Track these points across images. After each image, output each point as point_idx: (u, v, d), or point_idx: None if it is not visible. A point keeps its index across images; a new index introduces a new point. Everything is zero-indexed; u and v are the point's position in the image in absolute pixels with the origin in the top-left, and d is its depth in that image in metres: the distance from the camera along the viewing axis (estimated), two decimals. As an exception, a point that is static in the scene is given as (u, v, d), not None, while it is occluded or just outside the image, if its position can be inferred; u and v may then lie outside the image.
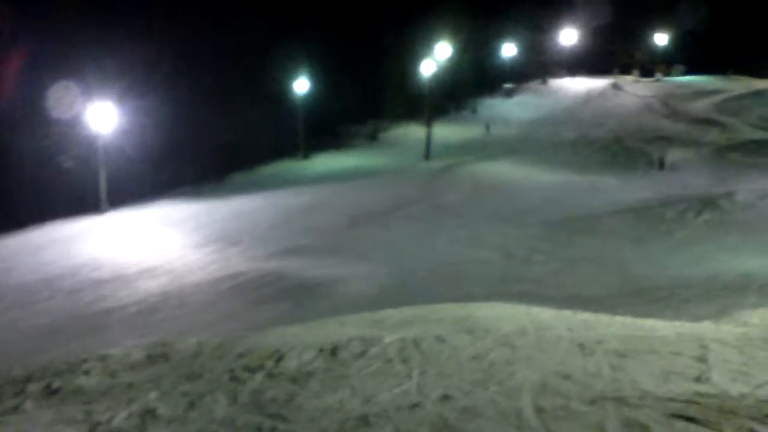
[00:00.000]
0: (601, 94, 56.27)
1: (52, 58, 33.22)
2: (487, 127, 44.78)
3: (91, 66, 32.62)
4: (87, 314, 17.39)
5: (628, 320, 8.79)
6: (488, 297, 13.75)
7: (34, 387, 6.03)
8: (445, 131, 43.49)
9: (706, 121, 43.81)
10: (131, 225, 27.51)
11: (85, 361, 6.72)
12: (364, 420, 4.80)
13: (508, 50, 59.47)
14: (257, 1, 43.02)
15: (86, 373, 6.33)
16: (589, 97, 55.37)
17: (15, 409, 5.57)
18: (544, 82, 62.44)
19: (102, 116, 31.47)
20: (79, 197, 31.53)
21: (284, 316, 14.69)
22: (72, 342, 14.86)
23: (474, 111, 52.50)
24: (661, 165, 33.79)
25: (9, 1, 34.28)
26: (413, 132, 43.90)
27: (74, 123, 32.00)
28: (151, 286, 19.12)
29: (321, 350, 6.55)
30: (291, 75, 41.74)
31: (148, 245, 23.69)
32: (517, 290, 15.63)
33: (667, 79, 63.66)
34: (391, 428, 4.63)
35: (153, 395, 5.48)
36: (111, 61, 32.99)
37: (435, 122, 41.61)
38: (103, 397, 5.66)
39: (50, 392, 5.90)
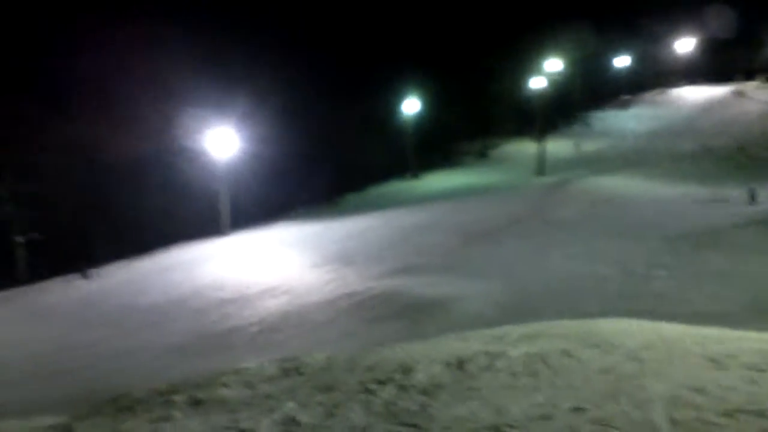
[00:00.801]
0: (722, 102, 53.82)
1: (175, 86, 35.01)
2: (576, 145, 42.99)
3: (212, 93, 34.20)
4: (212, 333, 18.11)
5: (765, 336, 8.41)
6: (607, 314, 13.40)
7: (179, 398, 6.42)
8: (557, 146, 42.85)
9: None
10: (252, 246, 28.53)
11: (223, 374, 7.10)
12: (496, 429, 4.88)
13: (622, 61, 58.04)
14: (367, 24, 43.95)
15: (226, 385, 6.69)
16: (709, 106, 53.13)
17: (166, 418, 5.95)
18: (661, 92, 60.47)
19: (222, 142, 32.84)
20: (202, 221, 33.03)
21: (402, 333, 14.81)
22: (200, 359, 15.53)
23: (587, 124, 51.47)
24: None
25: (134, 29, 36.29)
26: (524, 148, 43.46)
27: (197, 149, 33.56)
28: (271, 305, 19.73)
29: (447, 364, 6.63)
30: (400, 95, 42.32)
31: (268, 266, 24.48)
32: (637, 307, 15.13)
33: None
34: (524, 438, 4.70)
35: (291, 405, 5.74)
36: (230, 88, 34.52)
37: (547, 137, 41.03)
38: (245, 406, 5.96)
39: (195, 402, 6.26)
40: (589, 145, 44.39)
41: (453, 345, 7.80)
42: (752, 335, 8.39)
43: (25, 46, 35.36)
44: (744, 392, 5.24)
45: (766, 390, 5.22)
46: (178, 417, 5.93)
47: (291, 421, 5.41)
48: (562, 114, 50.85)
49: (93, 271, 27.98)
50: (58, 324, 21.35)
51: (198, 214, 33.90)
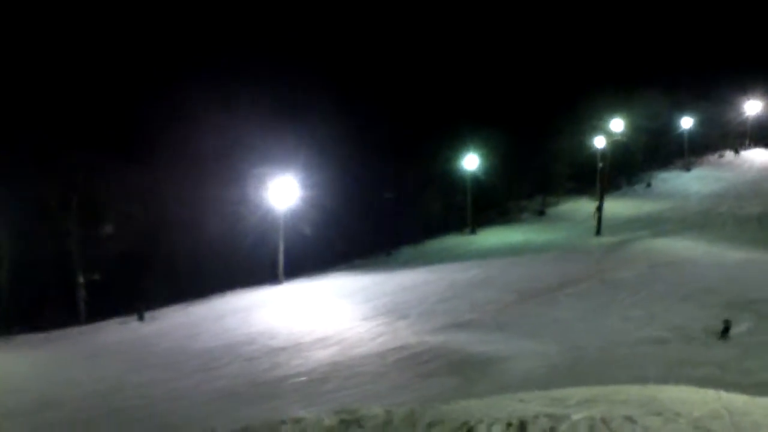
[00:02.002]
0: (790, 165, 52.59)
1: (243, 138, 35.98)
2: (595, 211, 40.29)
3: (277, 145, 34.98)
4: (263, 381, 18.15)
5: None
6: (666, 380, 13.02)
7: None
8: (617, 206, 42.30)
9: None
10: (305, 296, 28.70)
11: (283, 422, 7.10)
12: None
13: (687, 122, 57.40)
14: (432, 78, 44.64)
15: (287, 434, 6.71)
16: (776, 170, 51.93)
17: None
18: (722, 155, 59.46)
19: (283, 191, 33.35)
20: (259, 269, 33.44)
21: (454, 390, 14.65)
22: (250, 406, 15.58)
23: (648, 185, 50.78)
24: None
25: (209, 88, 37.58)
26: (583, 207, 43.01)
27: (259, 199, 34.16)
28: (322, 355, 19.73)
29: (509, 424, 6.54)
30: (461, 151, 42.57)
31: (321, 316, 24.56)
32: (698, 374, 14.68)
33: None
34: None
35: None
36: (295, 140, 35.26)
37: (607, 197, 40.55)
38: (308, 454, 5.94)
39: (258, 449, 6.27)
40: (651, 206, 43.65)
41: (512, 405, 7.67)
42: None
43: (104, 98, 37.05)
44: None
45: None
46: (241, 462, 5.95)
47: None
48: (624, 174, 50.33)
49: (149, 314, 28.47)
50: (113, 364, 21.69)
51: (256, 263, 34.33)
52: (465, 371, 16.57)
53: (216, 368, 20.10)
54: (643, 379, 12.60)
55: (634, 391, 9.16)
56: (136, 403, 16.95)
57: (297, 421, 7.30)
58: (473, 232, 41.63)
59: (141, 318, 28.06)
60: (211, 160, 36.33)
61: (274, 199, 33.60)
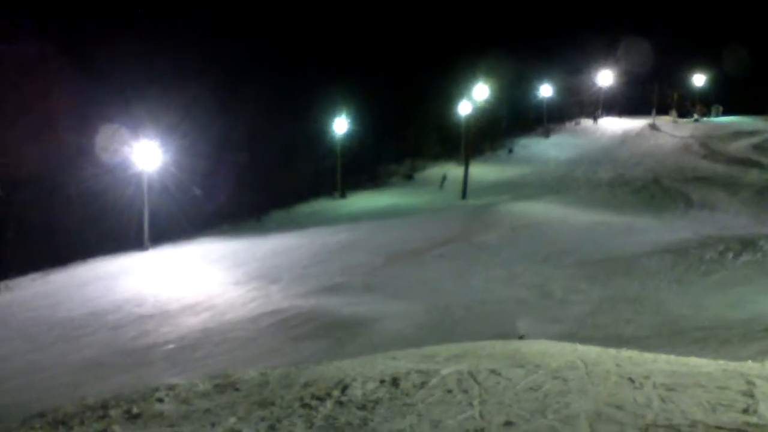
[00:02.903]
0: (639, 134, 56.15)
1: (100, 95, 34.27)
2: (442, 183, 42.56)
3: (137, 103, 33.64)
4: (131, 349, 17.68)
5: (672, 358, 8.88)
6: (527, 336, 13.82)
7: (114, 412, 6.35)
8: (481, 171, 43.79)
9: (745, 162, 43.42)
10: (173, 262, 28.01)
11: (156, 389, 7.03)
12: None
13: (545, 91, 60.01)
14: (299, 44, 44.10)
15: (160, 400, 6.65)
16: (626, 138, 55.31)
17: (104, 431, 5.90)
18: (578, 123, 62.74)
19: (146, 154, 32.22)
20: (123, 235, 32.24)
21: (325, 352, 14.88)
22: (118, 376, 15.14)
23: (510, 151, 52.81)
24: None
25: (55, 37, 35.41)
26: (450, 171, 44.16)
27: (119, 161, 32.83)
28: (192, 322, 19.42)
29: (382, 381, 6.80)
30: (330, 115, 42.55)
31: (190, 282, 24.09)
32: (555, 330, 15.64)
33: (705, 119, 63.46)
34: (461, 450, 4.88)
35: (232, 420, 5.78)
36: (155, 98, 33.99)
37: (471, 162, 41.87)
38: (184, 420, 5.96)
39: (132, 416, 6.21)
40: (512, 171, 45.52)
41: (385, 363, 7.96)
42: (663, 357, 8.87)
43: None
44: (659, 409, 5.58)
45: (679, 407, 5.55)
46: (117, 429, 5.88)
47: (236, 435, 5.47)
48: (488, 140, 52.01)
49: (3, 283, 26.90)
50: (-36, 338, 20.42)
51: (119, 228, 33.05)
52: (336, 333, 16.83)
53: (80, 338, 19.33)
54: (506, 336, 13.34)
55: (499, 345, 9.75)
56: (-7, 377, 16.09)
57: (170, 387, 7.25)
58: (343, 196, 41.91)
59: (-6, 287, 26.51)
60: (66, 118, 34.39)
61: (138, 162, 32.42)
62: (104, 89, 34.98)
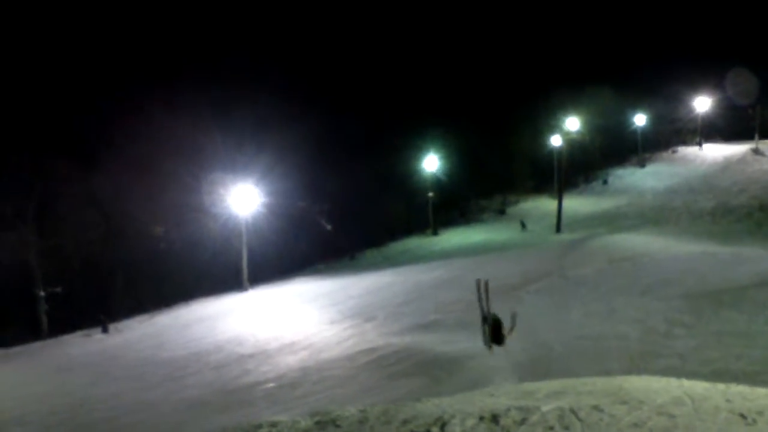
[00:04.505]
0: (741, 160, 53.83)
1: (201, 146, 35.72)
2: (523, 225, 41.01)
3: (236, 151, 34.82)
4: (232, 388, 18.12)
5: (787, 393, 8.42)
6: (629, 372, 13.36)
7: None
8: (575, 203, 43.02)
9: None
10: (271, 302, 28.68)
11: (259, 426, 7.20)
12: None
13: (640, 120, 58.60)
14: (390, 82, 44.83)
15: (262, 438, 6.82)
16: (727, 164, 53.15)
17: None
18: (675, 150, 60.82)
19: (243, 199, 33.22)
20: (223, 277, 33.27)
21: (422, 390, 14.80)
22: (221, 414, 15.54)
23: (605, 182, 51.71)
24: None
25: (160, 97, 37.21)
26: (542, 205, 43.66)
27: (220, 206, 33.99)
28: (291, 361, 19.74)
29: (482, 418, 6.75)
30: (420, 153, 42.89)
31: (287, 321, 24.59)
32: (659, 365, 15.05)
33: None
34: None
35: (337, 455, 5.85)
36: (253, 146, 35.13)
37: (565, 195, 41.21)
38: (289, 457, 6.07)
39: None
40: (608, 203, 44.48)
41: (483, 400, 7.89)
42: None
43: (60, 106, 36.39)
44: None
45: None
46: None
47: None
48: (581, 172, 51.15)
49: (113, 326, 28.16)
50: (78, 378, 21.47)
51: (219, 270, 34.13)
52: (432, 371, 16.68)
53: (184, 377, 20.02)
54: (606, 372, 12.94)
55: (600, 382, 9.47)
56: (103, 416, 16.81)
57: (273, 424, 7.39)
58: (435, 233, 41.95)
59: (105, 330, 27.77)
60: (167, 167, 35.95)
61: (235, 206, 33.47)
62: (207, 138, 36.35)
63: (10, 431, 16.29)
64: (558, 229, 38.56)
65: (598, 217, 41.14)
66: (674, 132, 62.37)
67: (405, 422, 6.80)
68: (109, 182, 34.48)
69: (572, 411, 6.81)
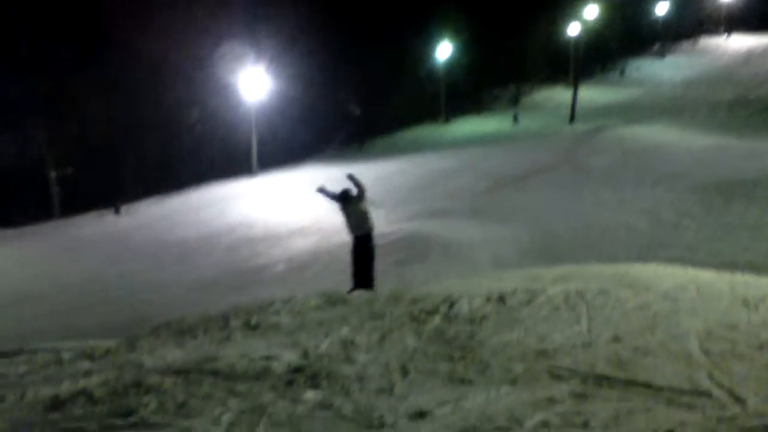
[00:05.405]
0: (764, 52, 52.38)
1: (209, 27, 34.80)
2: (515, 119, 40.14)
3: (244, 32, 34.01)
4: (244, 269, 18.36)
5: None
6: (637, 261, 13.44)
7: (234, 323, 6.72)
8: (591, 94, 42.35)
9: None
10: (281, 187, 28.72)
11: (272, 303, 7.36)
12: (543, 353, 5.18)
13: (661, 9, 56.57)
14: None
15: (277, 312, 6.98)
16: (750, 56, 51.79)
17: (227, 339, 6.28)
18: (697, 41, 59.18)
19: (253, 83, 32.76)
20: (232, 161, 33.27)
21: (430, 274, 15.00)
22: (234, 294, 15.80)
23: (622, 72, 50.67)
24: None
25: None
26: (557, 95, 43.01)
27: (229, 90, 33.56)
28: (300, 244, 19.93)
29: (488, 298, 6.86)
30: (433, 40, 41.80)
31: (297, 207, 24.65)
32: (666, 255, 15.09)
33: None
34: (569, 361, 4.99)
35: (345, 330, 6.02)
36: (262, 27, 34.26)
37: (581, 85, 40.48)
38: (300, 330, 6.25)
39: (252, 327, 6.56)
40: (624, 94, 43.76)
41: (490, 283, 7.98)
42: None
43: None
44: (775, 330, 5.39)
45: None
46: (238, 337, 6.26)
47: (349, 342, 5.70)
48: (598, 61, 50.04)
49: (125, 207, 28.41)
50: (91, 257, 21.83)
51: (228, 154, 34.08)
52: (440, 256, 16.84)
53: (196, 258, 20.33)
54: (613, 261, 13.02)
55: (607, 268, 9.57)
56: (117, 294, 17.11)
57: (286, 301, 7.53)
58: (447, 121, 41.55)
59: (117, 211, 28.03)
60: (177, 49, 35.19)
61: (245, 90, 33.05)
62: (214, 18, 35.36)
63: (24, 306, 16.59)
64: (572, 119, 38.11)
65: (614, 107, 40.54)
66: (697, 22, 60.43)
67: (414, 301, 6.94)
68: (117, 71, 33.68)
69: (578, 293, 6.91)
